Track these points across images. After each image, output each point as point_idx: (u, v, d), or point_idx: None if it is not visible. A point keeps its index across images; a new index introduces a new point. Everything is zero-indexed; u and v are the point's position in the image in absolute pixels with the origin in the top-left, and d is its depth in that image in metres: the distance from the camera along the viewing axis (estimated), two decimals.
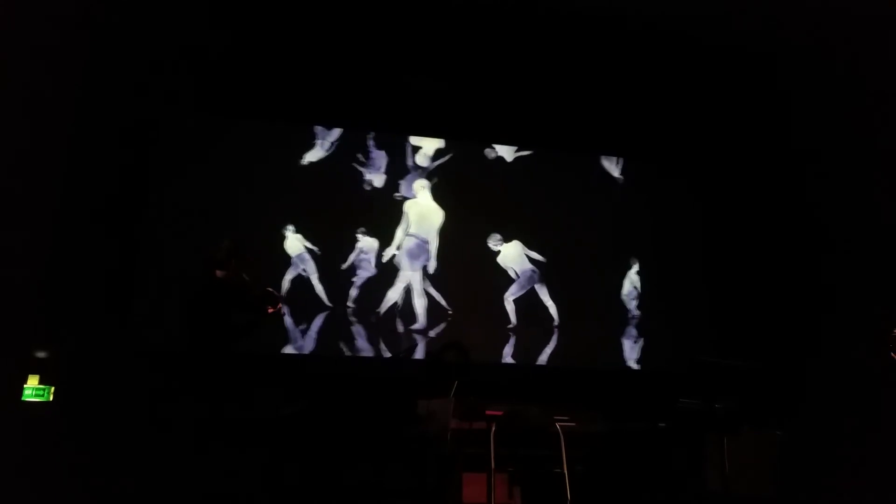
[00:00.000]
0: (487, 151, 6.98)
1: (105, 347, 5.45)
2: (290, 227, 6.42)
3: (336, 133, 6.68)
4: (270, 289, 4.45)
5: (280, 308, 4.45)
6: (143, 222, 6.06)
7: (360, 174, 6.65)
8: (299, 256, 6.38)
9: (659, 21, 6.20)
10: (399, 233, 6.59)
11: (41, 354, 5.27)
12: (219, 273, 4.26)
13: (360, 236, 6.50)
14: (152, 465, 4.67)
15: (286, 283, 6.31)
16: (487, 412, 4.77)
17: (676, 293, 6.92)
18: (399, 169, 6.76)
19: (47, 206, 5.38)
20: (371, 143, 6.75)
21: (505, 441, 4.69)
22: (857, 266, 5.97)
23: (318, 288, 6.35)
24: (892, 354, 4.21)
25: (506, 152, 7.02)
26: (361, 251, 6.49)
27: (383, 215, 6.62)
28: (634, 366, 6.72)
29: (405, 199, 6.68)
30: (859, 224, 6.04)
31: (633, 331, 6.83)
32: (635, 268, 6.96)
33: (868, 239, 5.90)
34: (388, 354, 6.30)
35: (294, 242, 6.41)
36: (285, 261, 6.29)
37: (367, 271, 6.46)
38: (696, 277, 7.00)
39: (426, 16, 6.23)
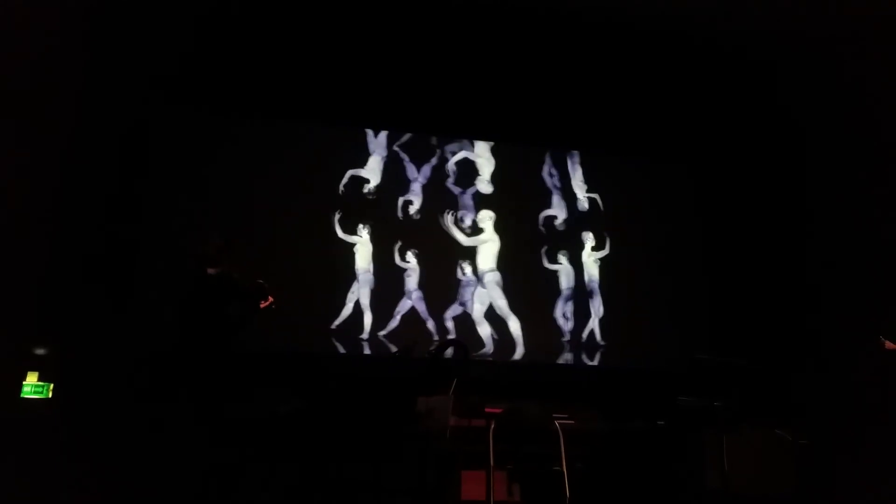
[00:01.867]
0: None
1: (104, 344, 5.45)
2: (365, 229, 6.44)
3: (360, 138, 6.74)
4: (261, 281, 4.40)
5: (271, 303, 4.40)
6: (143, 220, 6.06)
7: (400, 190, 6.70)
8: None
9: (659, 22, 6.23)
10: (467, 267, 6.61)
11: (40, 351, 5.27)
12: (210, 270, 4.22)
13: (410, 256, 6.51)
14: (151, 462, 4.66)
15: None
16: (487, 410, 4.76)
17: (676, 292, 6.93)
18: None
19: (47, 204, 5.39)
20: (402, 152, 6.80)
21: (504, 439, 4.68)
22: (857, 266, 5.98)
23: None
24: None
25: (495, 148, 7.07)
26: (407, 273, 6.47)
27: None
28: (634, 364, 6.72)
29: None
30: (860, 225, 6.05)
31: (630, 329, 6.83)
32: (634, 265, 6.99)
33: (868, 239, 5.91)
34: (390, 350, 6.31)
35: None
36: (286, 259, 6.26)
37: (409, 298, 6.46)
38: (695, 277, 7.01)
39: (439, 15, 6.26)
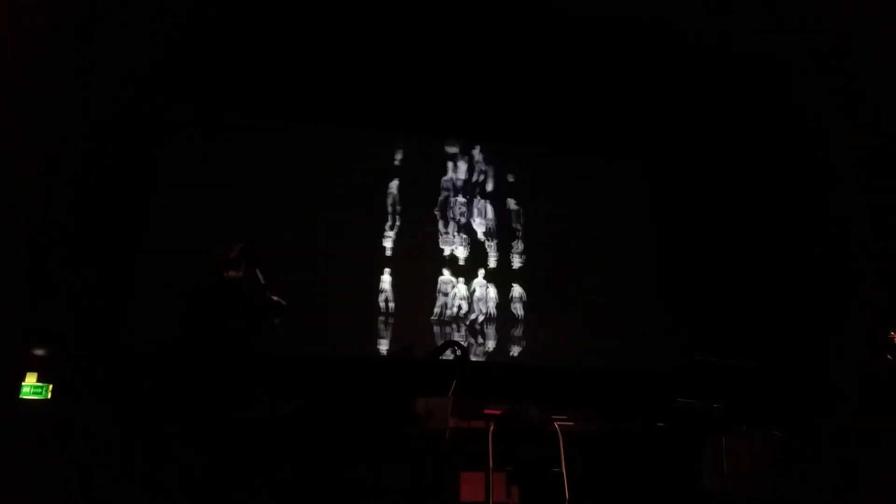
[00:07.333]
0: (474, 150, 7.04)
1: (104, 346, 5.45)
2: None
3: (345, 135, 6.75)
4: (276, 298, 4.35)
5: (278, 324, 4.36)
6: (143, 220, 6.06)
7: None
8: None
9: (660, 23, 6.21)
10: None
11: (39, 352, 5.27)
12: (231, 273, 4.18)
13: None
14: (150, 463, 4.65)
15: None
16: (486, 411, 4.77)
17: (676, 293, 6.92)
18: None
19: (47, 205, 5.38)
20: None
21: (503, 440, 4.69)
22: (861, 268, 5.97)
23: None
24: (889, 356, 4.21)
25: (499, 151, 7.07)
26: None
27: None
28: (633, 365, 6.72)
29: None
30: (865, 225, 6.04)
31: (631, 330, 6.82)
32: (633, 267, 6.98)
33: (873, 239, 5.89)
34: (386, 353, 6.30)
35: None
36: (288, 264, 6.23)
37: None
38: (696, 279, 7.00)
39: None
